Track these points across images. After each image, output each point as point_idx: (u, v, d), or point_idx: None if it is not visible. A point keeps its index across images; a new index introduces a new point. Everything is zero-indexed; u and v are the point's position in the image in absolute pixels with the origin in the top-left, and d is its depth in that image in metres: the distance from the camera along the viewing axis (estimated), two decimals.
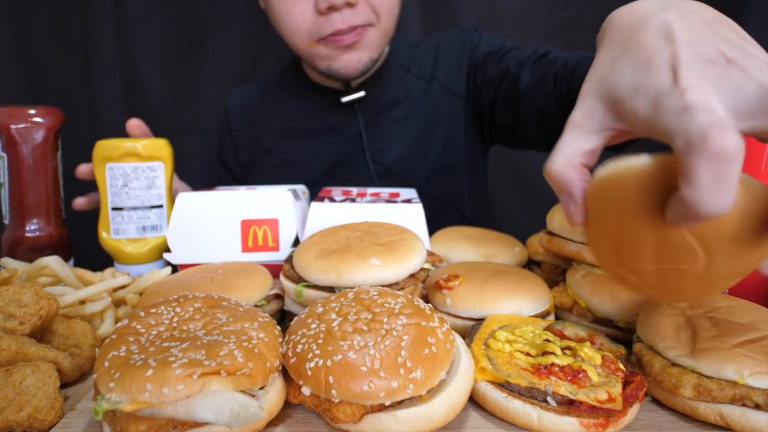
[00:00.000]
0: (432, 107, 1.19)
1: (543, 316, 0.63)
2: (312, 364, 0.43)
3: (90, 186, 0.87)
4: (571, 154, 0.41)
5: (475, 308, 0.61)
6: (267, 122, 1.26)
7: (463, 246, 0.80)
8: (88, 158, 0.83)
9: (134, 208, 0.83)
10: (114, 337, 0.45)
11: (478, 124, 1.22)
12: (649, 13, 0.41)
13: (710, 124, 0.32)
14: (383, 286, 0.57)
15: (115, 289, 0.69)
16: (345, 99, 1.14)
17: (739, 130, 0.34)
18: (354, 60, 1.06)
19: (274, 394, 0.45)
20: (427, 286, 0.67)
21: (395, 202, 0.81)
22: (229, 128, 1.31)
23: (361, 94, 1.14)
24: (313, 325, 0.47)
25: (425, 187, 1.17)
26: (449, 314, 0.63)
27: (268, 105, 1.27)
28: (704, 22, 0.39)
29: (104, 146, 0.82)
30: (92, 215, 0.88)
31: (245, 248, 0.75)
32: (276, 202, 0.76)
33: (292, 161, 1.23)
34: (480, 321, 0.59)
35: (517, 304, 0.60)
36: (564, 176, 0.41)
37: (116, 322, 0.64)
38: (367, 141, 1.18)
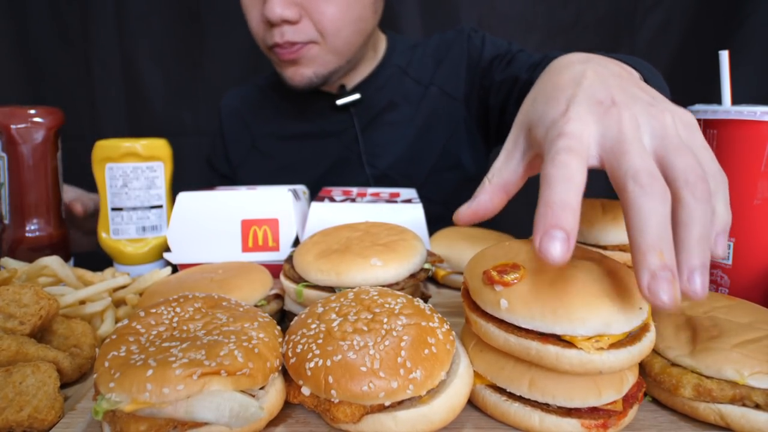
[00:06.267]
0: (429, 111, 1.19)
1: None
2: (312, 364, 0.43)
3: (90, 185, 0.87)
4: (499, 172, 0.49)
5: (543, 317, 0.42)
6: (263, 126, 1.27)
7: (464, 246, 0.80)
8: (88, 158, 0.83)
9: (134, 209, 0.83)
10: (114, 337, 0.45)
11: (483, 127, 1.21)
12: (572, 62, 0.50)
13: (566, 147, 0.39)
14: (383, 286, 0.57)
15: (115, 289, 0.69)
16: (340, 102, 1.14)
17: (599, 162, 0.42)
18: (297, 74, 1.07)
19: (274, 394, 0.45)
20: (473, 276, 0.49)
21: (395, 202, 0.81)
22: (221, 129, 1.31)
23: (356, 96, 1.14)
24: (313, 325, 0.47)
25: (423, 190, 1.17)
26: (502, 322, 0.45)
27: (264, 108, 1.28)
28: (612, 75, 0.47)
29: (104, 146, 0.82)
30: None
31: (245, 248, 0.75)
32: (276, 202, 0.76)
33: (288, 165, 1.23)
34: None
35: (607, 315, 0.42)
36: (487, 188, 0.49)
37: (116, 322, 0.64)
38: (363, 145, 1.18)
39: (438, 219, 1.15)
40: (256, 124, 1.27)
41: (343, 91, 1.16)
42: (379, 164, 1.19)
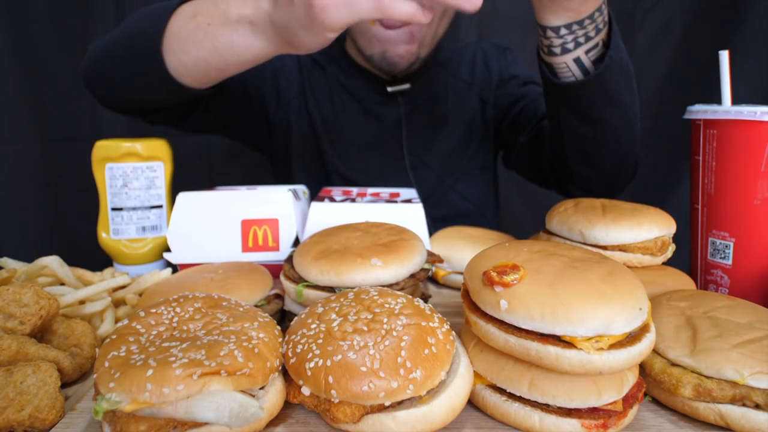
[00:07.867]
0: (470, 109, 1.24)
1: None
2: (312, 364, 0.43)
3: (90, 185, 0.87)
4: None
5: (543, 318, 0.42)
6: (313, 83, 1.25)
7: (464, 246, 0.80)
8: (88, 158, 0.83)
9: (134, 209, 0.83)
10: (114, 337, 0.45)
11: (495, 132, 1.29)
12: None
13: None
14: (383, 286, 0.57)
15: (115, 289, 0.69)
16: (391, 89, 1.17)
17: None
18: (408, 52, 1.09)
19: (274, 394, 0.45)
20: (473, 277, 0.49)
21: (395, 202, 0.81)
22: (287, 69, 1.26)
23: (407, 86, 1.17)
24: (313, 325, 0.47)
25: (457, 185, 1.20)
26: (502, 323, 0.45)
27: (316, 71, 1.26)
28: None
29: (104, 146, 0.82)
30: (92, 215, 0.88)
31: (245, 248, 0.76)
32: (276, 202, 0.76)
33: (324, 124, 1.23)
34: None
35: (607, 316, 0.42)
36: None
37: (116, 322, 0.64)
38: (406, 131, 1.20)
39: (466, 215, 1.20)
40: (308, 80, 1.26)
41: (395, 79, 1.19)
42: (420, 153, 1.21)
